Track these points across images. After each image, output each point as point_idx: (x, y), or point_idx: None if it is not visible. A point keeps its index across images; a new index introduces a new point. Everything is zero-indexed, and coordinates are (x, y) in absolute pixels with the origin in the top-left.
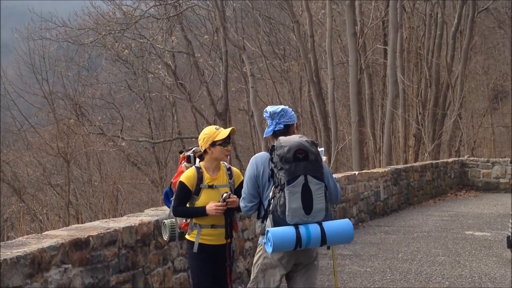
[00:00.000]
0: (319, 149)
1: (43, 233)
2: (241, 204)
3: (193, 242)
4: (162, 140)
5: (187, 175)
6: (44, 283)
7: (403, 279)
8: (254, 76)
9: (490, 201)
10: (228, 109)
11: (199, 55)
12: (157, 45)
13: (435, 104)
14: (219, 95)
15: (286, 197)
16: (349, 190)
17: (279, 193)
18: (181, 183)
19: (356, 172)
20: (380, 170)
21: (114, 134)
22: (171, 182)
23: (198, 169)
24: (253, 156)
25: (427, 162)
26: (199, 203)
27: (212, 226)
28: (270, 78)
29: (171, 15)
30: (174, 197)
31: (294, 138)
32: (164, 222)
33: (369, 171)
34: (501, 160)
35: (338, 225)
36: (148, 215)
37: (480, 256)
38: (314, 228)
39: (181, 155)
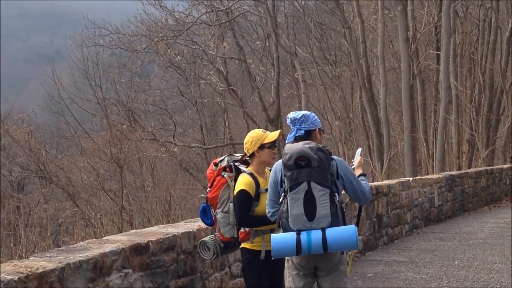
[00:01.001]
0: (358, 150)
1: (103, 238)
2: (266, 210)
3: (255, 251)
4: (214, 146)
5: (245, 182)
6: (105, 287)
7: (460, 286)
8: (306, 82)
9: None
10: (280, 115)
11: (250, 61)
12: (209, 51)
13: (489, 109)
14: (270, 101)
15: (289, 204)
16: (403, 196)
17: (284, 199)
18: (243, 191)
19: (410, 178)
20: (434, 176)
21: (166, 139)
22: (207, 197)
23: (251, 174)
24: (276, 163)
25: (482, 168)
26: (258, 208)
27: (271, 231)
28: (321, 84)
29: (223, 21)
30: (237, 209)
31: (297, 146)
32: (203, 241)
33: (423, 177)
34: None
35: (341, 232)
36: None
37: None
38: (316, 235)
39: (217, 167)
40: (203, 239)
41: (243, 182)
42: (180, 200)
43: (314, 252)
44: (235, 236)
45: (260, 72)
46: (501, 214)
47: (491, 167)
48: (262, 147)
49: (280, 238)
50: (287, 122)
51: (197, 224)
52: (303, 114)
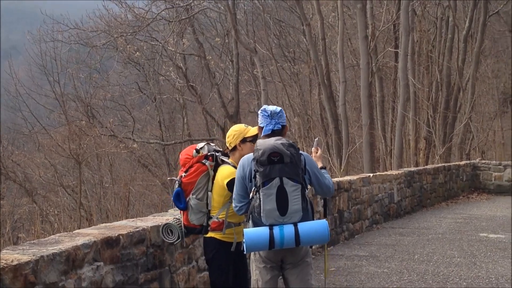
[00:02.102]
0: (315, 139)
1: (74, 232)
2: (233, 204)
3: (225, 242)
4: (173, 142)
5: (233, 171)
6: (78, 280)
7: (420, 280)
8: (266, 78)
9: (502, 204)
10: (239, 111)
11: (210, 57)
12: (168, 48)
13: (446, 107)
14: (229, 98)
15: (261, 199)
16: (364, 192)
17: (255, 194)
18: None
19: (371, 174)
20: (394, 172)
21: (125, 136)
22: (181, 182)
23: (234, 167)
24: (242, 157)
25: (440, 164)
26: None
27: (240, 224)
28: (280, 81)
29: (183, 18)
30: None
31: (269, 141)
32: (168, 224)
33: (383, 173)
34: None
35: (313, 225)
36: (173, 215)
37: (495, 258)
38: (288, 229)
39: (198, 154)
40: (167, 222)
41: (231, 171)
42: (139, 196)
43: (286, 246)
44: (204, 224)
45: (219, 69)
46: (459, 209)
47: (449, 164)
48: (244, 140)
49: (253, 233)
50: (262, 114)
51: (165, 218)
52: (281, 109)
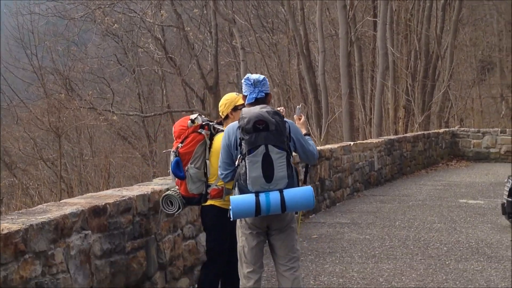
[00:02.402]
0: (297, 106)
1: (61, 201)
2: (218, 172)
3: (224, 209)
4: (152, 114)
5: None
6: (66, 248)
7: (402, 246)
8: (245, 49)
9: (481, 170)
10: (218, 82)
11: (188, 28)
12: (147, 19)
13: (424, 75)
14: (208, 69)
15: (247, 166)
16: (345, 161)
17: (241, 162)
18: None
19: (352, 143)
20: (374, 140)
21: (104, 108)
22: (179, 152)
23: None
24: (227, 126)
25: (419, 132)
26: None
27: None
28: (259, 51)
29: None
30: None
31: (255, 109)
32: (167, 195)
33: (363, 141)
34: (491, 130)
35: (298, 192)
36: (158, 184)
37: (475, 223)
38: (274, 196)
39: (193, 124)
40: (166, 193)
41: None
42: (120, 168)
43: (272, 212)
44: (203, 192)
45: (198, 40)
46: (438, 177)
47: (428, 132)
48: (235, 108)
49: (240, 200)
50: (245, 83)
51: (150, 187)
52: (264, 77)
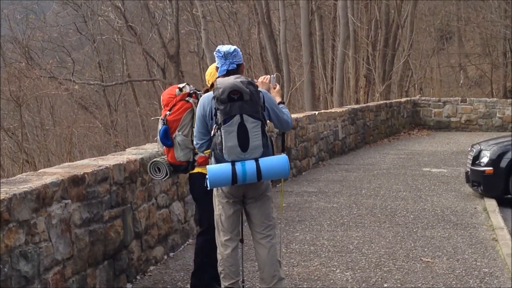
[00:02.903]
0: (271, 76)
1: (39, 171)
2: (194, 142)
3: None
4: (113, 83)
5: None
6: (48, 217)
7: (369, 214)
8: (206, 18)
9: (442, 139)
10: (179, 51)
11: None
12: None
13: (385, 44)
14: (168, 38)
15: (223, 136)
16: (310, 130)
17: (217, 132)
18: None
19: (316, 112)
20: (338, 110)
21: (65, 77)
22: (167, 120)
23: None
24: (202, 96)
25: (382, 102)
26: None
27: None
28: (219, 20)
29: None
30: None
31: (229, 80)
32: (155, 161)
33: (327, 111)
34: (452, 99)
35: (273, 161)
36: (132, 154)
37: (439, 191)
38: (250, 165)
39: (181, 93)
40: (154, 159)
41: None
42: (82, 138)
43: (249, 181)
44: (190, 160)
45: (158, 9)
46: (401, 146)
47: (390, 101)
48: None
49: (216, 169)
50: (216, 55)
51: (125, 157)
52: (235, 48)
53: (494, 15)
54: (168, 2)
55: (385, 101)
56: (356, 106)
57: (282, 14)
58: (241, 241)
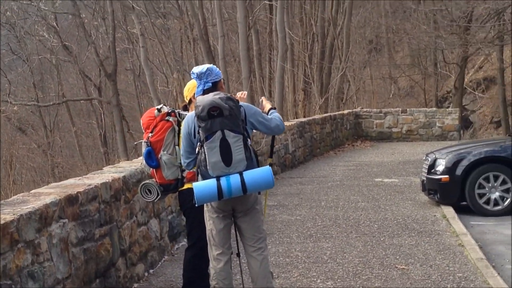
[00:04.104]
0: (260, 99)
1: (32, 191)
2: (181, 161)
3: None
4: (51, 103)
5: None
6: (49, 236)
7: (334, 225)
8: (144, 35)
9: (386, 150)
10: (116, 69)
11: (84, 15)
12: (42, 7)
13: (322, 58)
14: (102, 56)
15: (206, 153)
16: (263, 144)
17: (200, 149)
18: None
19: None
20: (288, 123)
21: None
22: (150, 141)
23: None
24: (186, 115)
25: (326, 114)
26: None
27: None
28: (155, 37)
29: None
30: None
31: (208, 97)
32: (146, 183)
33: None
34: (393, 110)
35: (257, 173)
36: (112, 172)
37: (396, 200)
38: (235, 179)
39: (160, 113)
40: (145, 182)
41: None
42: (22, 159)
43: (234, 195)
44: (178, 177)
45: (93, 27)
46: (347, 157)
47: (334, 113)
48: None
49: (202, 186)
50: (192, 77)
51: (109, 175)
52: (207, 68)
53: (425, 26)
54: (100, 20)
55: (329, 114)
56: (303, 119)
57: (220, 29)
58: (238, 255)
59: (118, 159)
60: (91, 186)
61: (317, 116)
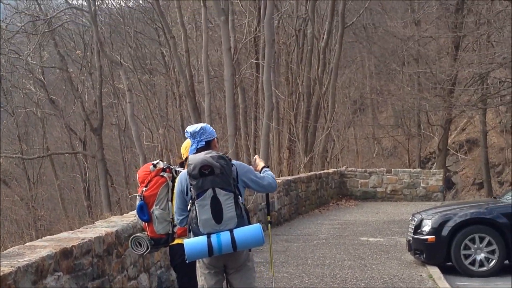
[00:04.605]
0: (254, 157)
1: (26, 244)
2: (175, 218)
3: None
4: (36, 156)
5: None
6: None
7: (321, 282)
8: (132, 91)
9: (370, 209)
10: (102, 124)
11: (71, 70)
12: (30, 61)
13: (307, 117)
14: (89, 111)
15: (197, 210)
16: (251, 201)
17: (192, 206)
18: None
19: None
20: None
21: None
22: (144, 196)
23: None
24: (180, 174)
25: (312, 173)
26: None
27: None
28: (141, 92)
29: (46, 30)
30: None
31: (199, 156)
32: (136, 236)
33: None
34: (378, 170)
35: (247, 230)
36: (104, 226)
37: (382, 259)
38: (225, 236)
39: (155, 168)
40: (135, 234)
41: None
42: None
43: (224, 252)
44: (169, 232)
45: (79, 82)
46: (332, 216)
47: (320, 172)
48: None
49: (193, 243)
50: (186, 135)
51: (102, 229)
52: (201, 127)
53: (409, 88)
54: (88, 75)
55: (315, 172)
56: (289, 178)
57: (207, 86)
58: None
59: (101, 213)
60: (85, 240)
61: (302, 175)
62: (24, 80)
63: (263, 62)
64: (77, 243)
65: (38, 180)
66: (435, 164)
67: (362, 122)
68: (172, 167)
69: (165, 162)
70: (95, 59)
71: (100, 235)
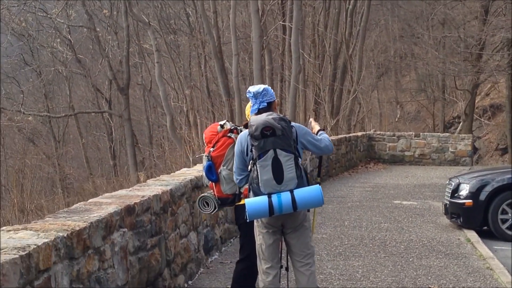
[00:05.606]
0: (309, 120)
1: (90, 200)
2: (234, 177)
3: None
4: (63, 114)
5: None
6: (111, 244)
7: (361, 244)
8: (159, 51)
9: (399, 173)
10: (129, 84)
11: (98, 29)
12: (57, 20)
13: (333, 79)
14: (115, 69)
15: (258, 170)
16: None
17: (253, 167)
18: None
19: None
20: None
21: (15, 109)
22: (211, 156)
23: None
24: (239, 134)
25: (342, 136)
26: None
27: None
28: (168, 53)
29: None
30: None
31: (261, 117)
32: (204, 196)
33: None
34: (406, 134)
35: (307, 191)
36: (157, 185)
37: (418, 223)
38: (286, 196)
39: (222, 129)
40: (202, 194)
41: None
42: (33, 169)
43: (285, 212)
44: (236, 192)
45: (106, 41)
46: (362, 179)
47: (349, 135)
48: None
49: (254, 202)
50: (247, 95)
51: (159, 188)
52: (264, 88)
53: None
54: (114, 34)
55: (344, 135)
56: None
57: (234, 48)
58: (286, 269)
59: (128, 172)
60: (144, 198)
61: (333, 137)
62: (50, 39)
63: (291, 24)
64: (138, 201)
65: (63, 138)
66: (458, 129)
67: (385, 86)
68: (238, 127)
69: (231, 123)
70: (123, 18)
71: (157, 193)
